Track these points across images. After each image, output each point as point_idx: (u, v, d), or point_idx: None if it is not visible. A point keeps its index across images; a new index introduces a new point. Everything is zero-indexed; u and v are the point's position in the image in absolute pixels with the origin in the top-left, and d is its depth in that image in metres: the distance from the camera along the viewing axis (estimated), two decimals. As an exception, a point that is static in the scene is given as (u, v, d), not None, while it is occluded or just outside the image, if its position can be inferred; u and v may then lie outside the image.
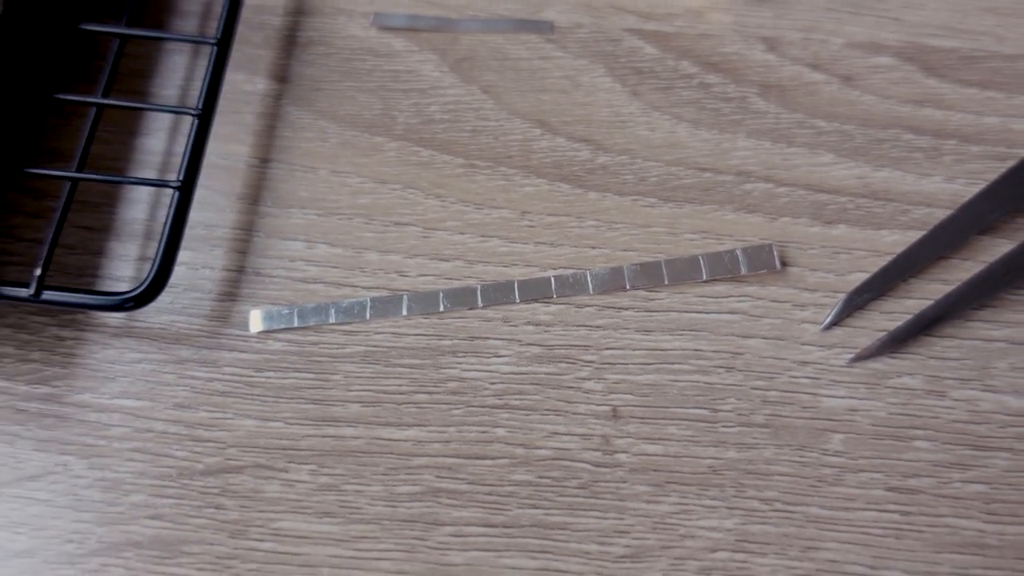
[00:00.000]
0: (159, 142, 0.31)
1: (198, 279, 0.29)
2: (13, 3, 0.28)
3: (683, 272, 0.28)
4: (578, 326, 0.28)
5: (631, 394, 0.27)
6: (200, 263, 0.29)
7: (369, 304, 0.28)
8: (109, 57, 0.30)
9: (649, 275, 0.28)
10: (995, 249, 0.28)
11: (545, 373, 0.27)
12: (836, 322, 0.27)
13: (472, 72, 0.31)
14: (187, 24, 0.32)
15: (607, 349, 0.27)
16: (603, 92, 0.31)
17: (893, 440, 0.26)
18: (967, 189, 0.29)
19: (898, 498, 0.25)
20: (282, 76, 0.31)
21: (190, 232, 0.29)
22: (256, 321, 0.28)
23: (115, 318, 0.28)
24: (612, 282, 0.28)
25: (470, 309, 0.28)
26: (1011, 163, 0.29)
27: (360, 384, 0.27)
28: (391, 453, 0.26)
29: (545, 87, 0.31)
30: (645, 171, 0.29)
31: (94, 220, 0.29)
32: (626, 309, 0.28)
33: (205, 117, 0.28)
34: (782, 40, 0.31)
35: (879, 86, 0.30)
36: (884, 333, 0.27)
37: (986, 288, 0.27)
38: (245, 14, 0.31)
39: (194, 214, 0.29)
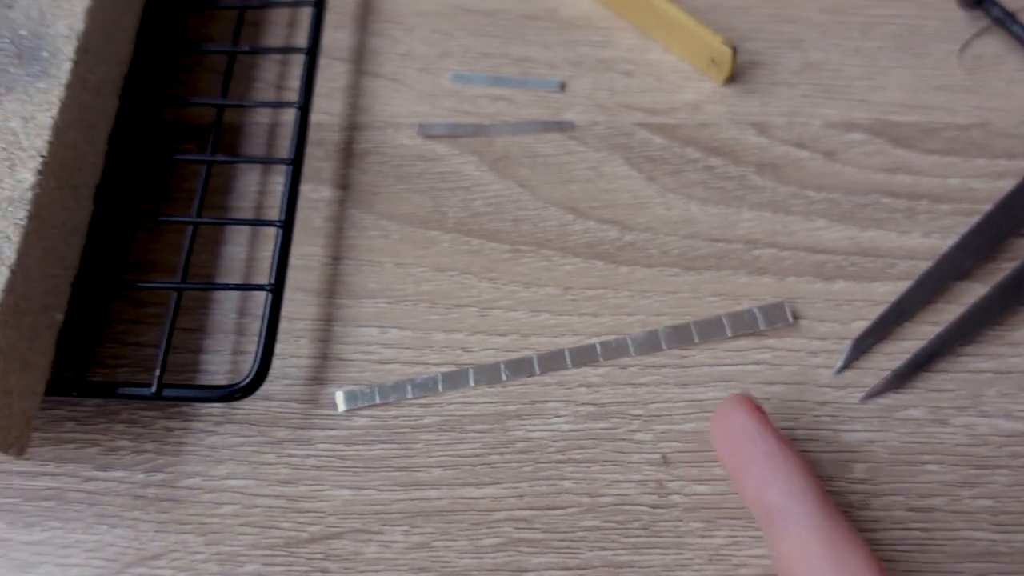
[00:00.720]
0: (242, 250, 0.32)
1: (287, 367, 0.30)
2: (115, 142, 0.30)
3: (710, 331, 0.29)
4: (624, 384, 0.29)
5: (677, 441, 0.28)
6: (287, 353, 0.30)
7: (440, 378, 0.29)
8: (193, 179, 0.31)
9: (681, 336, 0.29)
10: (973, 291, 0.30)
11: (600, 428, 0.28)
12: (847, 365, 0.29)
13: (508, 169, 0.33)
14: (257, 147, 0.34)
15: (652, 403, 0.28)
16: (623, 179, 0.32)
17: (907, 465, 0.27)
18: (942, 242, 0.31)
19: (918, 516, 0.27)
20: (343, 184, 0.33)
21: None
22: (341, 401, 0.29)
23: (217, 408, 0.29)
24: (650, 344, 0.29)
25: (529, 377, 0.29)
26: (977, 217, 0.31)
27: (439, 450, 0.28)
28: (473, 510, 0.27)
29: (572, 178, 0.33)
30: (667, 245, 0.31)
31: (190, 322, 0.30)
32: (664, 367, 0.29)
33: (287, 226, 0.29)
34: (769, 124, 0.33)
35: (856, 158, 0.32)
36: (888, 372, 0.28)
37: (969, 327, 0.29)
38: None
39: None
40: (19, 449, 0.25)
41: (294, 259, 0.31)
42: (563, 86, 0.34)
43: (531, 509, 0.27)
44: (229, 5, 0.35)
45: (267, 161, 0.31)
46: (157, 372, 0.27)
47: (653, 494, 0.27)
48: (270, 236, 0.31)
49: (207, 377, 0.29)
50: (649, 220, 0.31)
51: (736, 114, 0.33)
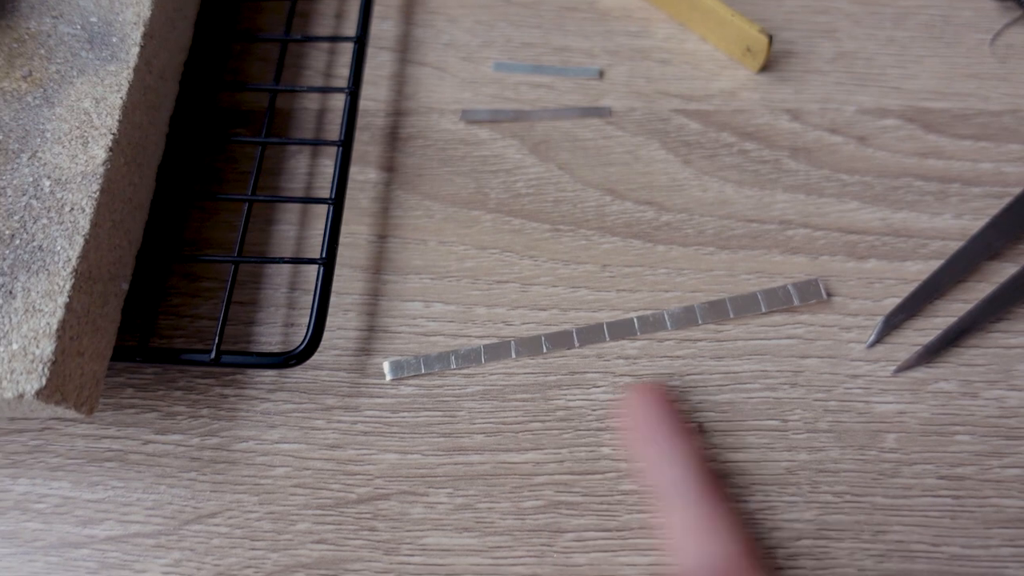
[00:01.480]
0: (292, 229, 0.34)
1: (335, 339, 0.32)
2: (175, 125, 0.32)
3: (745, 307, 0.31)
4: (661, 357, 0.31)
5: (712, 412, 0.30)
6: (336, 325, 0.32)
7: (483, 350, 0.31)
8: (246, 162, 0.33)
9: (717, 311, 0.31)
10: (1003, 272, 0.31)
11: (638, 398, 0.30)
12: (878, 340, 0.30)
13: (548, 153, 0.35)
14: (306, 132, 0.36)
15: (688, 375, 0.30)
16: (659, 163, 0.34)
17: (938, 436, 0.29)
18: (973, 223, 0.32)
19: (949, 484, 0.28)
20: (389, 166, 0.35)
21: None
22: (388, 371, 0.31)
23: (269, 376, 0.31)
24: (686, 319, 0.31)
25: (568, 349, 0.31)
26: (1008, 199, 0.32)
27: (482, 418, 0.30)
28: (515, 474, 0.29)
29: (610, 161, 0.34)
30: (702, 225, 0.33)
31: (244, 296, 0.33)
32: (700, 341, 0.31)
33: (338, 203, 0.31)
34: (803, 111, 0.35)
35: (889, 143, 0.34)
36: (920, 347, 0.30)
37: (1000, 304, 0.30)
38: (356, 118, 0.35)
39: (327, 285, 0.32)
40: (89, 408, 0.27)
41: (342, 237, 0.33)
42: (602, 74, 0.36)
43: (571, 474, 0.29)
44: (280, -3, 0.37)
45: (318, 143, 0.33)
46: (216, 339, 0.29)
47: (689, 461, 0.29)
48: (319, 216, 0.33)
49: (260, 348, 0.31)
50: (685, 201, 0.33)
51: (770, 101, 0.35)
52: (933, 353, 0.29)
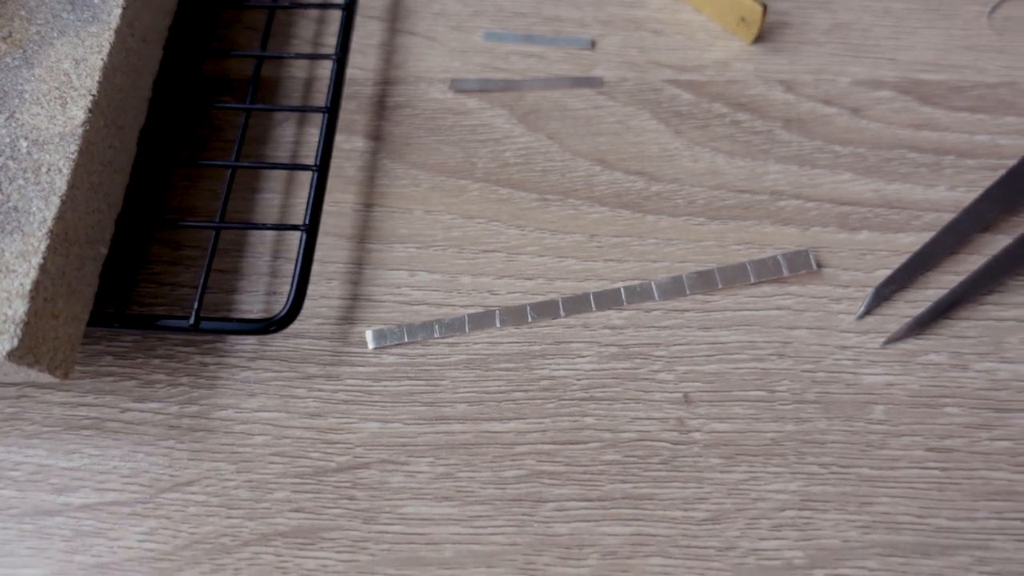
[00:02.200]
0: (276, 197, 0.34)
1: (318, 307, 0.32)
2: (158, 90, 0.32)
3: (734, 277, 0.31)
4: (648, 327, 0.31)
5: (699, 382, 0.30)
6: (319, 294, 0.32)
7: (467, 319, 0.31)
8: (230, 130, 0.34)
9: (705, 281, 0.31)
10: (996, 244, 0.31)
11: (623, 368, 0.30)
12: (868, 312, 0.30)
13: (538, 122, 0.35)
14: (293, 100, 0.36)
15: (674, 345, 0.30)
16: (650, 133, 0.35)
17: (927, 408, 0.29)
18: (967, 195, 0.32)
19: (936, 456, 0.28)
20: (376, 135, 0.35)
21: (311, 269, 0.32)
22: (371, 339, 0.31)
23: (249, 344, 0.31)
24: (674, 289, 0.31)
25: (554, 319, 0.31)
26: (1002, 171, 0.32)
27: (465, 387, 0.30)
28: (496, 443, 0.29)
29: (601, 131, 0.35)
30: (693, 196, 0.33)
31: (225, 264, 0.33)
32: (688, 311, 0.31)
33: (322, 170, 0.32)
34: (797, 82, 0.35)
35: (883, 115, 0.34)
36: (910, 319, 0.30)
37: (992, 276, 0.30)
38: (343, 85, 0.35)
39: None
40: (64, 372, 0.28)
41: (327, 206, 0.33)
42: (593, 44, 0.36)
43: (554, 443, 0.29)
44: (267, -37, 0.37)
45: (303, 109, 0.33)
46: (195, 305, 0.29)
47: (674, 431, 0.29)
48: (304, 184, 0.34)
49: (241, 316, 0.32)
50: (676, 172, 0.33)
51: (764, 71, 0.35)
52: (923, 325, 0.30)
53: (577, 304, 0.31)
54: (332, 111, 0.33)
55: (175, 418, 0.30)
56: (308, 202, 0.31)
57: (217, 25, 0.37)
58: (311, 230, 0.30)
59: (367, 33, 0.37)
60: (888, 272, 0.31)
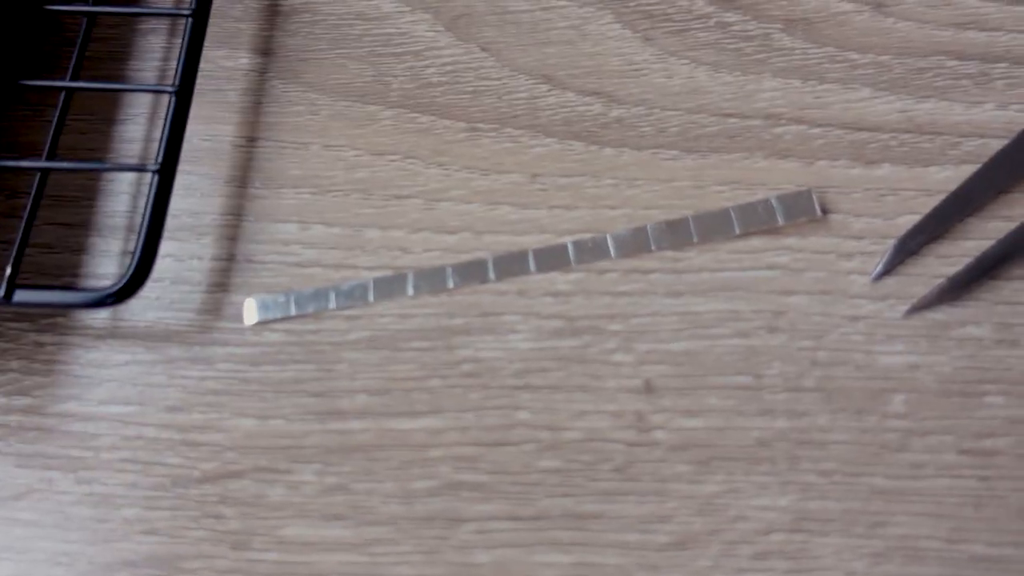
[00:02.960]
0: (139, 128, 0.28)
1: (186, 271, 0.26)
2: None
3: (713, 227, 0.25)
4: (601, 294, 0.25)
5: (664, 364, 0.24)
6: (188, 254, 0.26)
7: (372, 285, 0.25)
8: (79, 40, 0.27)
9: (676, 233, 0.25)
10: (1060, 179, 0.25)
11: (568, 347, 0.24)
12: (887, 271, 0.24)
13: (469, 29, 0.28)
14: (161, 0, 0.29)
15: (635, 317, 0.24)
16: (612, 40, 0.28)
17: (962, 397, 0.23)
18: (1023, 115, 0.26)
19: (973, 462, 0.22)
20: (265, 49, 0.29)
21: (175, 222, 0.26)
22: (250, 312, 0.25)
23: (99, 320, 0.26)
24: (636, 244, 0.25)
25: (482, 284, 0.25)
26: (1071, 84, 0.25)
27: (366, 373, 0.24)
28: (404, 446, 0.24)
29: (549, 40, 0.28)
30: (664, 122, 0.26)
31: (72, 216, 0.27)
32: (653, 272, 0.25)
33: (183, 94, 0.25)
34: (804, -29, 0.28)
35: (915, 11, 0.27)
36: (943, 279, 0.24)
37: (1054, 222, 0.24)
38: (221, -15, 0.29)
39: (179, 202, 0.26)
40: None
41: (200, 140, 0.27)
42: (541, -74, 0.29)
43: (476, 445, 0.23)
44: None
45: (160, 13, 0.27)
46: (8, 271, 0.23)
47: (630, 428, 0.23)
48: (171, 112, 0.27)
49: (90, 282, 0.26)
50: (643, 91, 0.27)
51: (761, -41, 0.28)
52: (961, 288, 0.23)
53: (512, 265, 0.25)
54: (199, 15, 0.26)
55: (1, 413, 0.25)
56: (163, 135, 0.25)
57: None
58: (165, 171, 0.24)
59: (258, -82, 0.30)
60: (915, 219, 0.24)
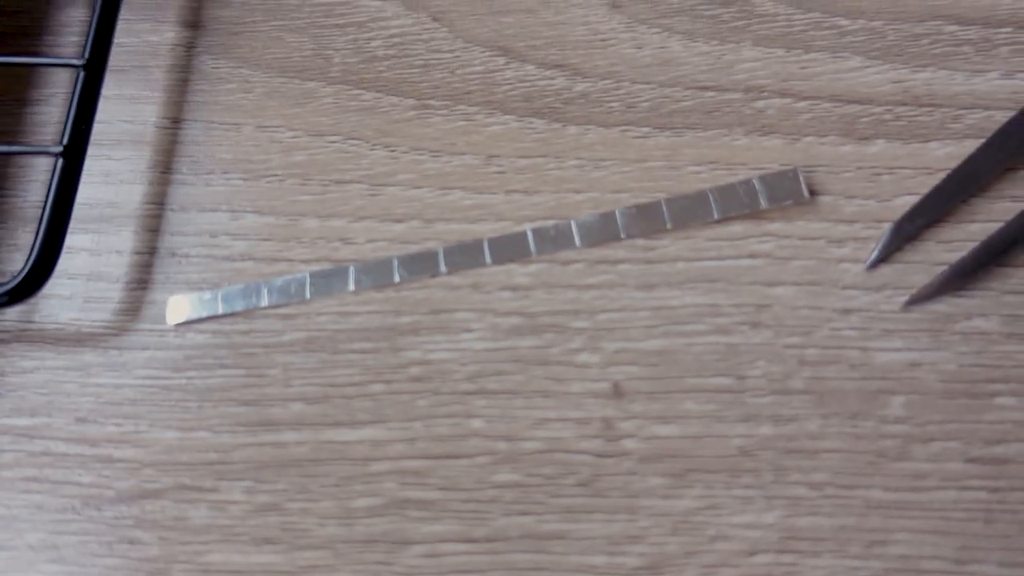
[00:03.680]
0: (56, 110, 0.25)
1: (103, 266, 0.23)
2: None
3: (689, 212, 0.22)
4: (565, 287, 0.22)
5: (635, 365, 0.21)
6: (105, 247, 0.24)
7: (309, 280, 0.23)
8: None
9: (648, 219, 0.22)
10: (1072, 155, 0.22)
11: (528, 347, 0.22)
12: (883, 258, 0.22)
13: (419, -2, 0.26)
14: (78, -31, 0.27)
15: (602, 313, 0.22)
16: (577, 8, 0.25)
17: (968, 398, 0.20)
18: (1030, 86, 0.23)
19: (982, 471, 0.20)
20: (194, 21, 0.26)
21: (92, 212, 0.24)
22: (173, 311, 0.23)
23: (3, 321, 0.23)
24: (603, 231, 0.22)
25: (432, 277, 0.23)
26: (1082, 50, 0.23)
27: (302, 378, 0.22)
28: (344, 460, 0.21)
29: (507, 8, 0.25)
30: (634, 96, 0.24)
31: (-23, 206, 0.24)
32: (622, 262, 0.22)
33: (93, 67, 0.23)
34: (787, -68, 0.26)
35: (910, -26, 0.25)
36: (945, 267, 0.21)
37: (1067, 202, 0.21)
38: (146, -49, 0.26)
39: (97, 191, 0.24)
40: None
41: (122, 122, 0.25)
42: None
43: (425, 458, 0.21)
44: None
45: (71, -20, 0.24)
46: None
47: (597, 437, 0.21)
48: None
49: (-9, 279, 0.23)
50: (611, 63, 0.24)
51: (740, -82, 0.26)
52: (965, 276, 0.21)
53: (465, 256, 0.22)
54: (114, -18, 0.23)
55: None
56: (69, 115, 0.22)
57: None
58: (70, 154, 0.22)
59: None
60: (913, 200, 0.22)
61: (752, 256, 0.22)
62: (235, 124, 0.25)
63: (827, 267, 0.22)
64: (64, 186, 0.21)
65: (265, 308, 0.23)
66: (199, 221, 0.24)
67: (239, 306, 0.23)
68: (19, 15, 0.26)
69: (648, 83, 0.24)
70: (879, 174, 0.23)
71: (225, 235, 0.24)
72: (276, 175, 0.24)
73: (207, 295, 0.23)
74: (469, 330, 0.22)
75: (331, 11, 0.26)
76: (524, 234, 0.23)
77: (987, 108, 0.23)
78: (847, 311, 0.21)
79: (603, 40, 0.25)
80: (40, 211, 0.24)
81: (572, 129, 0.24)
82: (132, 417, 0.22)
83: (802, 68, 0.24)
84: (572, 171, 0.23)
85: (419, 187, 0.24)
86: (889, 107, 0.23)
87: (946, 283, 0.21)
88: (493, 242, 0.23)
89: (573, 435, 0.21)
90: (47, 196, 0.21)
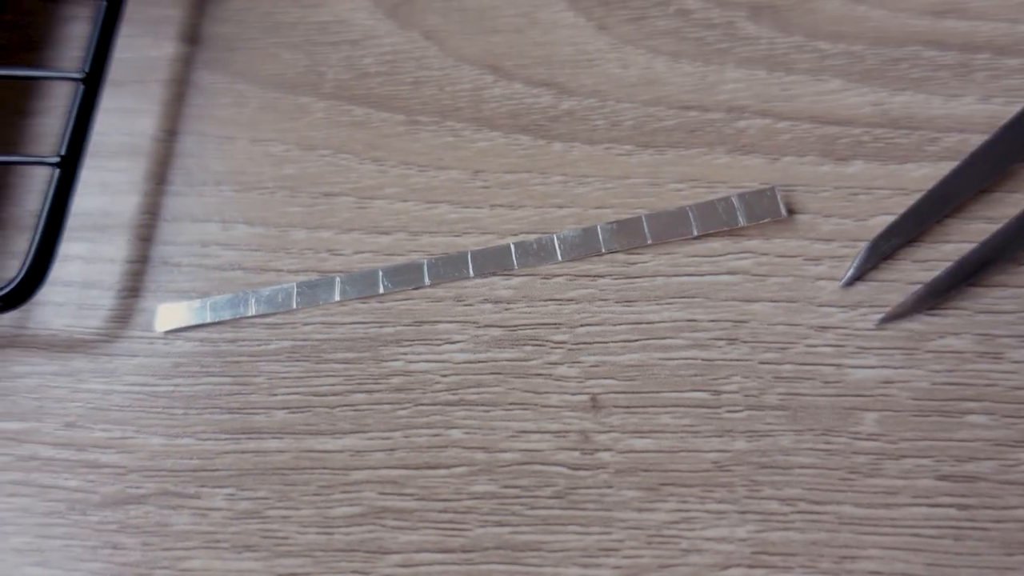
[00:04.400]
0: (55, 122, 0.26)
1: (96, 274, 0.24)
2: None
3: (669, 228, 0.23)
4: (546, 301, 0.22)
5: (613, 379, 0.21)
6: (98, 256, 0.24)
7: (295, 291, 0.23)
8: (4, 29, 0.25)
9: (628, 234, 0.23)
10: (1048, 178, 0.22)
11: (508, 360, 0.22)
12: (859, 276, 0.22)
13: (412, 16, 0.26)
14: (80, -15, 0.27)
15: (582, 326, 0.22)
16: (564, 28, 0.26)
17: (940, 416, 0.20)
18: (1006, 109, 0.23)
19: (953, 488, 0.20)
20: (192, 37, 0.27)
21: (87, 221, 0.24)
22: (162, 318, 0.23)
23: (-3, 326, 0.23)
24: (584, 246, 0.23)
25: (416, 289, 0.23)
26: (1059, 75, 0.23)
27: (286, 387, 0.22)
28: (324, 468, 0.21)
29: (497, 27, 0.26)
30: (618, 115, 0.24)
31: (-25, 214, 0.25)
32: (602, 277, 0.22)
33: (92, 81, 0.23)
34: (772, -43, 0.26)
35: (891, -1, 0.25)
36: (919, 286, 0.22)
37: (1041, 224, 0.22)
38: (146, -31, 0.27)
39: (92, 201, 0.24)
40: None
41: (119, 134, 0.25)
42: (491, -92, 0.27)
43: (404, 468, 0.21)
44: None
45: (72, -4, 0.25)
46: None
47: (574, 450, 0.21)
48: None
49: (-15, 285, 0.24)
50: (596, 82, 0.25)
51: (726, -57, 0.26)
52: (939, 295, 0.21)
53: (449, 268, 0.23)
54: (113, -1, 0.24)
55: None
56: (67, 127, 0.22)
57: None
58: (67, 164, 0.22)
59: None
60: (889, 220, 0.22)
61: (730, 272, 0.22)
62: (229, 137, 0.25)
63: (804, 284, 0.22)
64: (60, 195, 0.22)
65: (252, 317, 0.23)
66: (191, 231, 0.24)
67: (227, 315, 0.23)
68: (23, 29, 0.27)
69: (632, 102, 0.25)
70: (856, 194, 0.23)
71: (216, 245, 0.24)
72: (267, 187, 0.24)
73: (196, 304, 0.23)
74: (451, 341, 0.22)
75: (325, 29, 0.26)
76: (507, 248, 0.23)
77: (963, 131, 0.23)
78: (822, 328, 0.22)
79: (589, 59, 0.25)
80: (34, 220, 0.24)
81: (557, 146, 0.24)
82: (119, 423, 0.22)
83: (783, 90, 0.24)
84: (556, 186, 0.24)
85: (406, 200, 0.24)
86: (867, 128, 0.24)
87: (920, 301, 0.21)
88: (476, 255, 0.23)
89: (550, 447, 0.21)
90: (43, 205, 0.22)
